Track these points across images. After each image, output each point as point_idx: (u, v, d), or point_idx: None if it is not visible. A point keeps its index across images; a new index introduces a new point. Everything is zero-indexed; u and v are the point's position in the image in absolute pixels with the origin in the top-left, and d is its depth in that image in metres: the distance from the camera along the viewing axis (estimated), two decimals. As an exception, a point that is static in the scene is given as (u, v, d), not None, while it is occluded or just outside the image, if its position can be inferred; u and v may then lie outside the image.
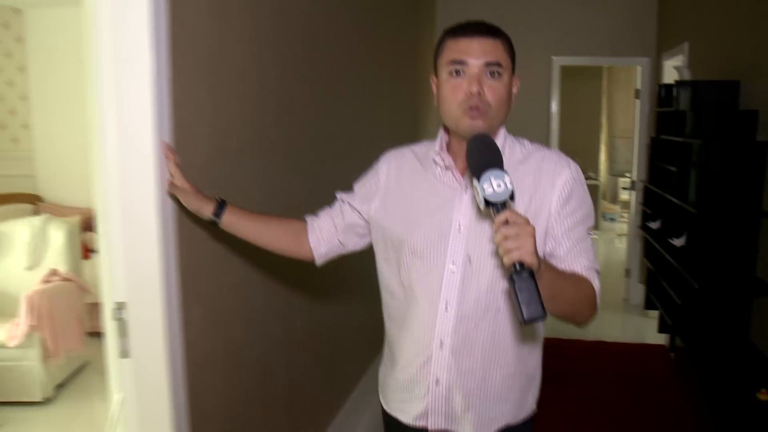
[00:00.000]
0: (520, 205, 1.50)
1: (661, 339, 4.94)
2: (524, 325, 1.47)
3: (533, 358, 1.64)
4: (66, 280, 4.44)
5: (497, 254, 1.29)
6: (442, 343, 1.55)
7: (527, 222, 1.22)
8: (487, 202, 1.23)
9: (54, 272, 4.44)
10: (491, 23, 1.52)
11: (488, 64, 1.46)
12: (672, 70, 5.17)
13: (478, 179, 1.24)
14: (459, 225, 1.53)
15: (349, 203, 1.74)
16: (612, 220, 10.18)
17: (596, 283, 1.52)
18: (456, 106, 1.48)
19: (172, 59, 1.71)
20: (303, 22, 2.71)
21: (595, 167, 10.55)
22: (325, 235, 1.76)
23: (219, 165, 2.02)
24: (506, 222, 1.21)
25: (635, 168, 6.17)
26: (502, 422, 1.61)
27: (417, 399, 1.62)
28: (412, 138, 4.42)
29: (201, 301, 1.93)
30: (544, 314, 1.18)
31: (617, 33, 5.98)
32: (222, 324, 2.09)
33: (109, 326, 1.97)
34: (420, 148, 1.67)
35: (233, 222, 1.72)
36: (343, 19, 3.28)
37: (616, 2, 5.95)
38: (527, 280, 1.19)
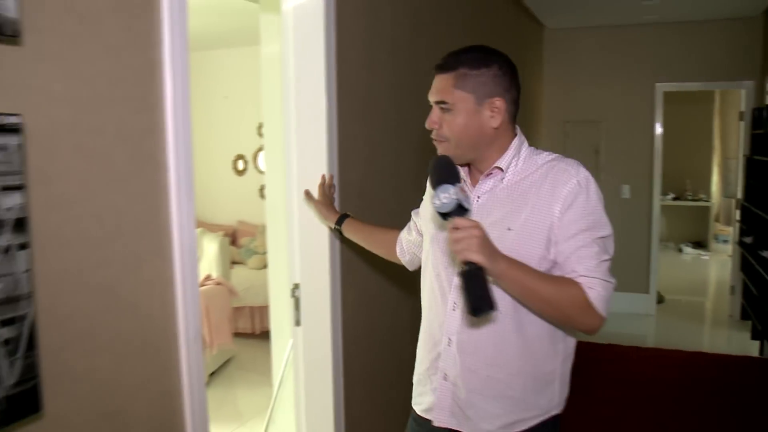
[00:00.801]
0: (521, 214, 1.57)
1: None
2: (475, 317, 1.48)
3: (549, 362, 1.64)
4: (218, 284, 5.18)
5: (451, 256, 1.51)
6: (450, 341, 1.65)
7: (475, 226, 1.38)
8: (440, 213, 1.41)
9: (208, 277, 5.20)
10: (456, 53, 1.61)
11: (437, 103, 1.60)
12: (775, 93, 5.37)
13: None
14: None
15: (414, 222, 2.01)
16: (725, 241, 10.09)
17: (594, 291, 1.50)
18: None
19: (337, 103, 2.30)
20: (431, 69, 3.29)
21: (707, 189, 10.51)
22: (405, 247, 2.06)
23: (368, 181, 2.60)
24: (456, 228, 1.38)
25: (739, 188, 6.31)
26: (506, 420, 1.63)
27: (428, 392, 1.74)
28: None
29: (354, 286, 2.50)
30: (491, 307, 1.32)
31: (721, 57, 6.18)
32: (366, 306, 2.65)
33: (275, 302, 2.58)
34: None
35: (349, 232, 2.17)
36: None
37: (719, 28, 6.16)
38: (476, 276, 1.34)
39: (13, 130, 1.14)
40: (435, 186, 1.41)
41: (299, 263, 2.36)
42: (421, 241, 1.94)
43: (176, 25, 1.54)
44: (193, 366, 1.65)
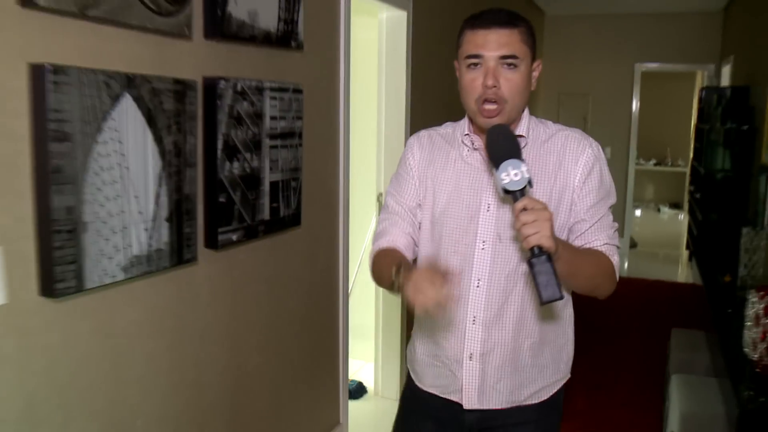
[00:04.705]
0: (546, 182, 1.53)
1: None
2: (542, 305, 1.46)
3: (562, 328, 1.67)
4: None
5: (517, 239, 1.36)
6: (474, 318, 1.56)
7: (545, 207, 1.27)
8: (506, 190, 1.29)
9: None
10: (511, 10, 1.50)
11: (504, 57, 1.43)
12: (727, 74, 6.71)
13: (497, 169, 1.30)
14: (488, 205, 1.55)
15: (405, 210, 1.68)
16: (698, 203, 11.46)
17: (615, 258, 1.57)
18: (473, 101, 1.48)
19: (412, 82, 3.67)
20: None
21: (686, 157, 11.83)
22: (411, 243, 1.69)
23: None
24: (524, 209, 1.27)
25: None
26: (533, 388, 1.64)
27: (451, 374, 1.63)
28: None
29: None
30: (560, 295, 1.25)
31: (689, 44, 7.52)
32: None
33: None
34: (445, 130, 1.69)
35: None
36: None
37: (689, 19, 7.49)
38: (545, 263, 1.25)
39: (300, 91, 2.51)
40: (501, 159, 1.31)
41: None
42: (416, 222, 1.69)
43: (346, 40, 2.91)
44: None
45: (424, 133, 1.71)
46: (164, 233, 1.89)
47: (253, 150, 2.25)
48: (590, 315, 5.34)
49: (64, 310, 1.65)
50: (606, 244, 1.57)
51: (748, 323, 2.61)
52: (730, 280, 3.68)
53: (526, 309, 1.58)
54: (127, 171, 1.74)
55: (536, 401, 1.66)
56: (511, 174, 1.29)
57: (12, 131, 1.50)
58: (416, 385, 1.74)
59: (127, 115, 1.73)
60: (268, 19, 2.28)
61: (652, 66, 7.74)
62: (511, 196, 1.31)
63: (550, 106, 8.01)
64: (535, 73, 1.54)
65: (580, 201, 1.56)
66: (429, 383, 1.70)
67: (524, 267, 1.50)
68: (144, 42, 1.81)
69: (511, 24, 1.46)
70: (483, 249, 1.55)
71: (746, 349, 2.59)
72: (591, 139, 1.60)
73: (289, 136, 2.45)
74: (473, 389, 1.61)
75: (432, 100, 4.11)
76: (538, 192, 1.52)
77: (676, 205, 11.79)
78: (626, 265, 7.69)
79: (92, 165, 1.64)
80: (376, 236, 1.70)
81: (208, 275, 2.15)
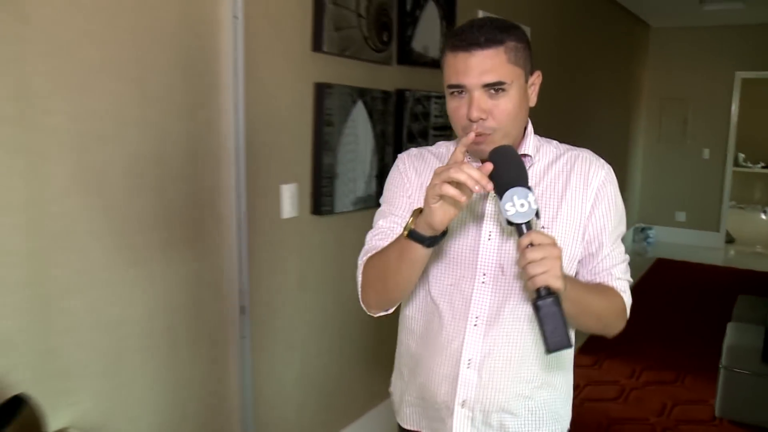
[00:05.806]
0: (550, 208, 1.39)
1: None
2: (548, 355, 1.25)
3: (565, 370, 1.53)
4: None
5: (521, 277, 1.27)
6: (470, 362, 1.42)
7: (554, 243, 1.16)
8: (510, 222, 1.17)
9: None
10: (496, 21, 1.31)
11: (489, 85, 1.27)
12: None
13: (500, 197, 1.17)
14: (489, 233, 1.40)
15: (399, 227, 1.46)
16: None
17: (626, 295, 1.45)
18: (460, 129, 1.36)
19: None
20: (570, 63, 5.65)
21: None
22: None
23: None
24: (531, 244, 1.15)
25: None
26: None
27: (442, 420, 1.49)
28: (624, 134, 7.25)
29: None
30: (569, 343, 1.14)
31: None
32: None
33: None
34: (438, 149, 1.56)
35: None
36: (586, 59, 6.14)
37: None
38: (552, 306, 1.13)
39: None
40: (506, 187, 1.17)
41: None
42: None
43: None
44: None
45: (414, 152, 1.58)
46: (373, 185, 3.08)
47: (423, 137, 3.40)
48: (676, 294, 6.31)
49: (322, 223, 2.88)
50: (618, 279, 1.45)
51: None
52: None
53: (529, 351, 1.43)
54: (357, 146, 2.94)
55: None
56: (517, 204, 1.16)
57: (304, 120, 2.73)
58: (405, 429, 1.62)
59: (359, 113, 2.93)
60: (435, 50, 3.43)
61: (754, 74, 8.34)
62: (516, 228, 1.19)
63: (652, 111, 8.79)
64: (533, 88, 1.39)
65: (593, 229, 1.42)
66: (425, 425, 1.57)
67: (529, 306, 1.34)
68: (368, 68, 3.01)
69: (495, 42, 1.28)
70: (483, 283, 1.41)
71: (780, 299, 3.51)
72: (602, 160, 1.47)
73: (445, 128, 3.59)
74: None
75: (542, 109, 5.13)
76: (543, 218, 1.39)
77: (782, 208, 12.12)
78: (722, 256, 8.38)
79: (342, 141, 2.85)
80: (364, 252, 1.52)
81: (393, 216, 3.32)
